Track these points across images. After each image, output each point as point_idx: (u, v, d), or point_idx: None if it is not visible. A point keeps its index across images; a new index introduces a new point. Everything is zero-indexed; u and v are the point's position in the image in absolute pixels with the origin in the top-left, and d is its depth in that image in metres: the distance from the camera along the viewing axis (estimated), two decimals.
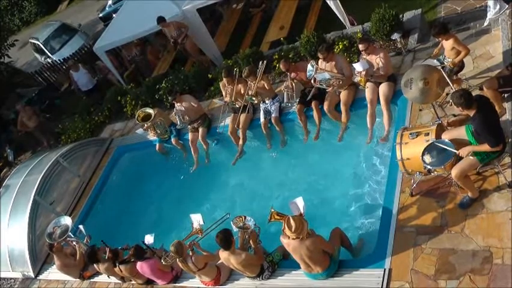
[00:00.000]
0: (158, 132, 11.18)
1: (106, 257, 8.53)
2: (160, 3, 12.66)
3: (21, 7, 30.84)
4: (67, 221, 9.67)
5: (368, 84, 8.40)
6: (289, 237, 6.42)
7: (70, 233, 9.39)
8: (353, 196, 8.26)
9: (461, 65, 7.63)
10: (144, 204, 10.97)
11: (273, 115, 9.74)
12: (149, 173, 11.65)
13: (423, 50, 9.01)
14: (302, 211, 6.81)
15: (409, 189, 6.98)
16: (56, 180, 11.59)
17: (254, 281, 7.28)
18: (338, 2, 10.42)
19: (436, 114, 7.05)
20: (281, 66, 9.40)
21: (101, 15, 22.06)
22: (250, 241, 7.17)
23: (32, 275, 10.44)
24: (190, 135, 10.79)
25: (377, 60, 8.25)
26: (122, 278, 8.78)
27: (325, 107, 8.94)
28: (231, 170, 10.16)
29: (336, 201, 8.37)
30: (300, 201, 6.91)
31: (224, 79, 10.05)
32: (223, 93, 10.29)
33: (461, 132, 6.36)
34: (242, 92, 9.89)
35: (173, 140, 11.17)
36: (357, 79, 8.50)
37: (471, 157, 6.08)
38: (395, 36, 9.44)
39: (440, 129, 6.70)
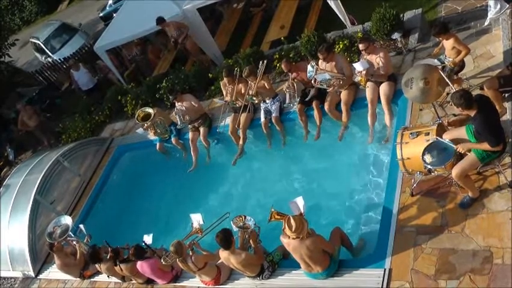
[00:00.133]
0: (159, 131, 11.18)
1: (108, 257, 8.54)
2: (161, 2, 12.66)
3: (22, 6, 30.87)
4: (67, 220, 9.68)
5: (369, 83, 8.40)
6: (289, 237, 6.42)
7: (70, 233, 9.40)
8: (353, 196, 8.26)
9: (461, 65, 7.63)
10: (144, 203, 10.98)
11: (273, 115, 9.74)
12: (150, 173, 11.65)
13: (424, 50, 9.00)
14: (302, 211, 6.81)
15: (409, 189, 6.98)
16: (56, 179, 11.60)
17: (254, 280, 7.28)
18: (339, 1, 10.41)
19: (437, 113, 7.04)
20: (282, 66, 9.40)
21: (101, 14, 22.09)
22: (250, 241, 7.17)
23: (32, 274, 10.45)
24: (190, 135, 10.80)
25: (377, 59, 8.25)
26: (123, 278, 8.78)
27: (326, 107, 8.94)
28: (231, 169, 10.15)
29: (337, 201, 8.36)
30: (300, 201, 6.91)
31: (224, 79, 10.06)
32: (224, 93, 10.30)
33: (462, 132, 6.36)
34: (242, 91, 9.89)
35: (173, 140, 11.17)
36: (357, 79, 8.50)
37: (472, 157, 6.08)
38: (396, 35, 9.44)
39: (441, 129, 6.69)
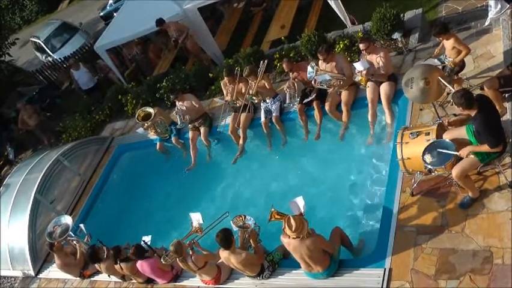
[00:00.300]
0: (159, 131, 11.18)
1: (105, 255, 8.55)
2: (161, 2, 12.66)
3: (22, 6, 30.88)
4: (67, 220, 9.69)
5: (369, 83, 8.40)
6: (289, 237, 6.42)
7: (70, 232, 9.40)
8: (353, 195, 8.25)
9: (461, 65, 7.63)
10: (144, 203, 10.97)
11: (273, 114, 9.74)
12: (150, 172, 11.65)
13: (424, 50, 9.00)
14: (302, 210, 6.82)
15: (410, 189, 6.98)
16: (56, 178, 11.60)
17: (254, 280, 7.28)
18: (339, 1, 10.42)
19: (437, 113, 7.05)
20: (284, 65, 9.39)
21: (102, 14, 22.11)
22: (251, 240, 7.17)
23: (32, 273, 10.45)
24: (190, 134, 10.81)
25: (377, 59, 8.25)
26: (123, 277, 8.78)
27: (326, 108, 8.94)
28: (231, 169, 10.15)
29: (337, 201, 8.36)
30: (300, 201, 6.92)
31: (225, 78, 10.07)
32: (224, 93, 10.30)
33: (462, 132, 6.36)
34: (243, 91, 9.89)
35: (173, 139, 11.17)
36: (358, 78, 8.50)
37: (472, 157, 6.08)
38: (396, 35, 9.44)
39: (441, 128, 6.69)
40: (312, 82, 8.78)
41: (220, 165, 10.53)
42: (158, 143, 11.36)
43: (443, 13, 9.88)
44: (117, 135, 13.04)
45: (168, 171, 11.23)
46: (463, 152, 6.08)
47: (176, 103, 10.66)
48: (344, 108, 8.80)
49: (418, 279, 6.02)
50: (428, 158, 6.33)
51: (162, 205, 10.57)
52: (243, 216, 7.34)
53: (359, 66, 8.28)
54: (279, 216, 6.92)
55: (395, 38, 9.47)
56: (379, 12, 9.49)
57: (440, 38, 7.68)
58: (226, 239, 6.82)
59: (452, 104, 6.51)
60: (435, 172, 6.54)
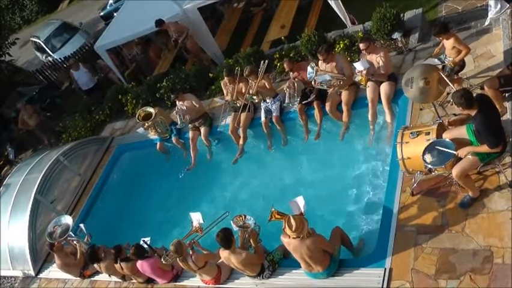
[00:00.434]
0: (159, 131, 11.18)
1: (103, 254, 8.59)
2: (161, 2, 12.66)
3: (23, 6, 30.88)
4: (67, 220, 9.68)
5: (369, 83, 8.39)
6: (289, 237, 6.42)
7: (70, 232, 9.39)
8: (353, 195, 8.26)
9: (462, 65, 7.63)
10: (144, 203, 10.97)
11: (274, 114, 9.74)
12: (150, 172, 11.65)
13: (424, 50, 9.00)
14: (303, 210, 6.82)
15: (410, 189, 6.98)
16: (56, 178, 11.59)
17: (254, 280, 7.28)
18: (339, 1, 10.42)
19: (437, 113, 7.05)
20: (285, 65, 9.37)
21: (102, 13, 22.11)
22: (251, 240, 7.17)
23: (32, 273, 10.45)
24: (190, 134, 10.81)
25: (377, 59, 8.25)
26: (123, 277, 8.79)
27: (327, 108, 8.94)
28: (232, 169, 10.15)
29: (337, 200, 8.36)
30: (300, 201, 6.92)
31: (225, 78, 10.07)
32: (224, 92, 10.30)
33: (462, 132, 6.36)
34: (243, 91, 9.89)
35: (173, 139, 11.18)
36: (358, 78, 8.49)
37: (472, 156, 6.08)
38: (396, 35, 9.45)
39: (441, 128, 6.69)
40: (312, 82, 8.77)
41: (220, 165, 10.53)
42: (158, 143, 11.36)
43: (443, 13, 9.88)
44: (117, 135, 13.04)
45: (168, 171, 11.23)
46: (462, 152, 6.08)
47: (177, 103, 10.67)
48: (344, 108, 8.80)
49: (418, 279, 6.02)
50: (428, 157, 6.33)
51: (162, 205, 10.58)
52: (243, 216, 7.35)
53: (359, 66, 8.28)
54: (279, 216, 6.93)
55: (395, 37, 9.48)
56: (379, 12, 9.49)
57: (440, 38, 7.68)
58: (226, 238, 6.82)
59: (452, 104, 6.51)
60: (436, 172, 6.54)
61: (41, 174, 11.24)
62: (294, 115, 9.65)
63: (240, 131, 10.11)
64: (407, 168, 6.83)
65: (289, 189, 8.86)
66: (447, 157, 6.21)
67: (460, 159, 6.16)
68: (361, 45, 8.32)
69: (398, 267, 6.28)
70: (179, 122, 10.60)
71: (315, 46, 9.98)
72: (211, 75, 11.87)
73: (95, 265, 8.89)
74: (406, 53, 9.22)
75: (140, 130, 11.36)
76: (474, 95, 5.98)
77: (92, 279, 9.45)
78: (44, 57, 20.43)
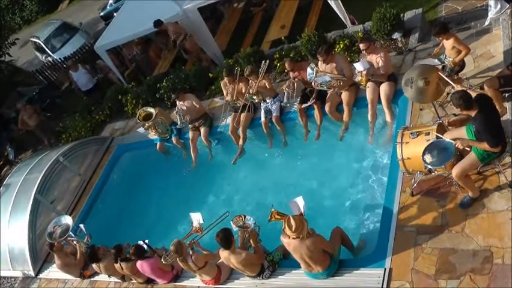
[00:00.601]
0: (159, 131, 11.18)
1: (103, 253, 8.59)
2: (161, 2, 12.66)
3: (22, 6, 30.87)
4: (67, 220, 9.68)
5: (369, 84, 8.39)
6: (289, 237, 6.42)
7: (70, 232, 9.39)
8: (353, 195, 8.26)
9: (461, 65, 7.63)
10: (144, 203, 10.98)
11: (273, 114, 9.73)
12: (150, 172, 11.65)
13: (424, 50, 9.00)
14: (302, 210, 6.82)
15: (410, 189, 6.98)
16: (56, 179, 11.60)
17: (254, 280, 7.28)
18: (339, 1, 10.42)
19: (437, 113, 7.05)
20: (286, 65, 9.35)
21: (102, 14, 22.11)
22: (251, 240, 7.17)
23: (32, 273, 10.45)
24: (190, 134, 10.81)
25: (377, 59, 8.25)
26: (123, 277, 8.78)
27: (326, 109, 8.93)
28: (231, 169, 10.15)
29: (337, 201, 8.36)
30: (300, 201, 6.92)
31: (225, 78, 10.07)
32: (224, 93, 10.30)
33: (462, 132, 6.36)
34: (243, 91, 9.89)
35: (174, 139, 11.18)
36: (358, 79, 8.48)
37: (472, 157, 6.08)
38: (396, 35, 9.46)
39: (441, 128, 6.69)
40: (312, 84, 8.76)
41: (220, 165, 10.52)
42: (158, 143, 11.36)
43: (443, 13, 9.89)
44: (117, 135, 13.04)
45: (168, 171, 11.23)
46: (461, 143, 6.07)
47: (177, 103, 10.67)
48: (345, 108, 8.78)
49: (418, 279, 6.02)
50: (428, 158, 6.34)
51: (162, 205, 10.57)
52: (243, 216, 7.35)
53: (359, 66, 8.27)
54: (279, 216, 6.93)
55: (395, 38, 9.48)
56: (379, 12, 9.49)
57: (440, 38, 7.68)
58: (226, 238, 6.82)
59: (452, 104, 6.50)
60: (435, 172, 6.54)
61: (41, 175, 11.24)
62: (294, 115, 9.65)
63: (240, 131, 10.11)
64: (407, 169, 6.83)
65: (289, 189, 8.86)
66: (447, 157, 6.21)
67: (460, 159, 6.16)
68: (361, 46, 8.31)
69: (398, 267, 6.28)
70: (179, 122, 10.60)
71: (315, 46, 9.98)
72: (211, 75, 11.87)
73: (95, 266, 8.88)
74: (406, 53, 9.22)
75: (141, 130, 11.37)
76: (474, 95, 5.98)
77: (92, 279, 9.44)
78: (44, 57, 20.43)
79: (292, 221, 6.33)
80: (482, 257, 5.76)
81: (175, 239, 7.53)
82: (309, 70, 8.66)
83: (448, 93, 7.33)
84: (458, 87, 6.78)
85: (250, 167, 10.05)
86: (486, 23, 8.57)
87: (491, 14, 8.35)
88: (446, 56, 7.61)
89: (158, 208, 10.58)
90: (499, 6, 8.14)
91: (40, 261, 10.60)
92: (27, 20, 31.27)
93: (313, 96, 9.10)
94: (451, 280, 5.77)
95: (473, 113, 5.87)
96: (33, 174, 11.61)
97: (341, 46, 9.92)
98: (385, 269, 6.34)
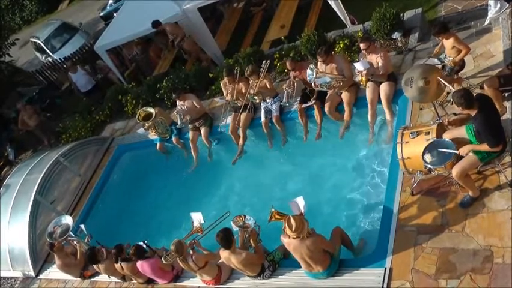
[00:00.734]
0: (159, 131, 11.18)
1: (105, 257, 8.57)
2: (161, 2, 12.65)
3: (22, 6, 30.84)
4: (67, 220, 9.68)
5: (369, 83, 8.38)
6: (289, 237, 6.42)
7: (70, 233, 9.39)
8: (353, 195, 8.26)
9: (461, 64, 7.63)
10: (145, 203, 10.97)
11: (274, 114, 9.73)
12: (150, 172, 11.65)
13: (424, 49, 9.00)
14: (303, 210, 6.82)
15: (410, 188, 6.98)
16: (56, 179, 11.59)
17: (255, 280, 7.28)
18: (339, 1, 10.41)
19: (437, 113, 7.05)
20: (287, 64, 9.32)
21: (102, 14, 22.08)
22: (251, 240, 7.17)
23: (32, 274, 10.44)
24: (190, 134, 10.81)
25: (377, 59, 8.24)
26: (123, 277, 8.78)
27: (326, 109, 8.93)
28: (231, 169, 10.15)
29: (337, 201, 8.36)
30: (300, 201, 6.92)
31: (225, 78, 10.06)
32: (224, 93, 10.29)
33: (462, 132, 6.36)
34: (243, 91, 9.89)
35: (174, 139, 11.18)
36: (358, 79, 8.48)
37: (472, 156, 6.08)
38: (396, 35, 9.46)
39: (441, 128, 6.70)
40: (312, 85, 8.75)
41: (220, 165, 10.52)
42: (158, 143, 11.36)
43: (443, 12, 9.89)
44: (117, 135, 13.04)
45: (168, 172, 11.23)
46: (463, 150, 6.08)
47: (177, 102, 10.66)
48: (346, 108, 8.77)
49: (419, 279, 6.02)
50: (428, 157, 6.34)
51: (162, 205, 10.57)
52: (243, 216, 7.35)
53: (359, 66, 8.26)
54: (279, 216, 6.93)
55: (394, 37, 9.49)
56: (379, 12, 9.49)
57: (440, 38, 7.68)
58: (226, 238, 6.82)
59: (452, 104, 6.51)
60: (436, 171, 6.54)
61: (41, 175, 11.23)
62: (294, 115, 9.64)
63: (240, 131, 10.10)
64: (407, 168, 6.83)
65: (289, 189, 8.87)
66: (447, 157, 6.22)
67: (460, 158, 6.16)
68: (361, 45, 8.30)
69: (398, 267, 6.28)
70: (179, 122, 10.60)
71: (315, 46, 9.99)
72: (211, 75, 11.86)
73: (95, 266, 8.88)
74: (406, 52, 9.22)
75: (141, 130, 11.35)
76: (474, 95, 5.98)
77: (92, 279, 9.44)
78: (44, 57, 20.42)
79: (292, 220, 6.33)
80: (483, 256, 5.76)
81: (176, 238, 7.53)
82: (308, 71, 8.65)
83: (448, 93, 7.33)
84: (457, 87, 6.79)
85: (250, 166, 10.05)
86: (486, 23, 8.57)
87: (491, 13, 8.35)
88: (446, 55, 7.62)
89: (159, 208, 10.58)
90: (498, 5, 8.14)
91: (40, 261, 10.60)
92: (27, 20, 31.24)
93: (314, 96, 9.10)
94: (451, 280, 5.77)
95: (473, 113, 5.87)
96: (33, 174, 11.60)
97: (341, 46, 9.91)
98: (385, 269, 6.34)
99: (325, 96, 9.01)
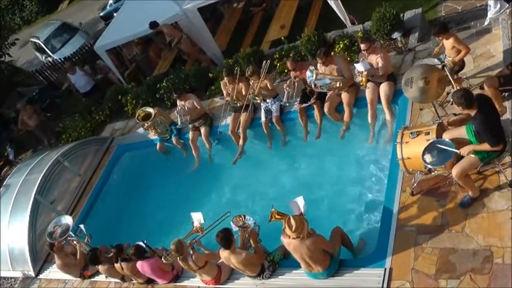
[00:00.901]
0: (159, 131, 11.18)
1: (109, 256, 8.56)
2: (161, 2, 12.64)
3: (22, 6, 30.83)
4: (67, 220, 9.68)
5: (369, 84, 8.38)
6: (289, 237, 6.42)
7: (70, 232, 9.38)
8: (353, 195, 8.26)
9: (461, 64, 7.64)
10: (145, 203, 10.98)
11: (274, 114, 9.73)
12: (150, 172, 11.65)
13: (424, 49, 9.00)
14: (303, 210, 6.82)
15: (410, 189, 6.98)
16: (56, 179, 11.59)
17: (255, 280, 7.28)
18: (339, 1, 10.41)
19: (437, 113, 7.05)
20: (288, 64, 9.32)
21: (102, 14, 22.08)
22: (251, 240, 7.17)
23: (32, 274, 10.44)
24: (190, 134, 10.80)
25: (377, 60, 8.24)
26: (123, 278, 8.78)
27: (325, 110, 8.93)
28: (232, 169, 10.15)
29: (337, 201, 8.36)
30: (300, 201, 6.91)
31: (225, 78, 10.06)
32: (224, 93, 10.29)
33: (462, 132, 6.36)
34: (243, 91, 9.89)
35: (173, 139, 11.17)
36: (358, 79, 8.48)
37: (472, 156, 6.08)
38: (396, 35, 9.46)
39: (441, 128, 6.70)
40: (312, 86, 8.74)
41: (220, 165, 10.52)
42: (158, 143, 11.36)
43: (443, 13, 9.90)
44: (117, 135, 13.04)
45: (168, 171, 11.23)
46: (464, 151, 6.08)
47: (178, 102, 10.66)
48: (346, 108, 8.77)
49: (418, 279, 6.02)
50: (428, 157, 6.34)
51: (162, 205, 10.57)
52: (243, 216, 7.35)
53: (359, 67, 8.25)
54: (279, 217, 6.93)
55: (394, 37, 9.49)
56: (379, 12, 9.50)
57: (440, 38, 7.68)
58: (226, 238, 6.82)
59: (452, 104, 6.51)
60: (435, 172, 6.54)
61: (41, 175, 11.23)
62: (294, 115, 9.64)
63: (240, 131, 10.10)
64: (407, 168, 6.84)
65: (289, 189, 8.87)
66: (447, 157, 6.22)
67: (460, 159, 6.16)
68: (362, 46, 8.30)
69: (398, 267, 6.28)
70: (179, 122, 10.60)
71: (315, 46, 9.99)
72: (211, 75, 11.86)
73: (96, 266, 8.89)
74: (406, 53, 9.22)
75: (140, 130, 11.36)
76: (474, 95, 5.98)
77: (92, 279, 9.43)
78: (43, 57, 20.41)
79: (292, 221, 6.33)
80: (483, 256, 5.76)
81: (176, 238, 7.53)
82: (308, 73, 8.63)
83: (447, 93, 7.34)
84: (457, 87, 6.79)
85: (251, 167, 10.05)
86: (486, 23, 8.57)
87: (490, 13, 8.35)
88: (445, 55, 7.62)
89: (159, 208, 10.58)
90: (498, 6, 8.15)
91: (40, 261, 10.59)
92: (27, 20, 31.22)
93: (314, 96, 9.10)
94: (451, 280, 5.78)
95: (473, 113, 5.88)
96: (33, 174, 11.60)
97: (341, 46, 9.91)
98: (385, 269, 6.34)
99: (325, 96, 9.01)
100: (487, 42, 8.27)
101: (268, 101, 9.82)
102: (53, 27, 20.98)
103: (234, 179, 10.07)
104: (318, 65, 8.77)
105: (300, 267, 6.78)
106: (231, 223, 7.31)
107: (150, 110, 11.11)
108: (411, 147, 6.65)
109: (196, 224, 7.96)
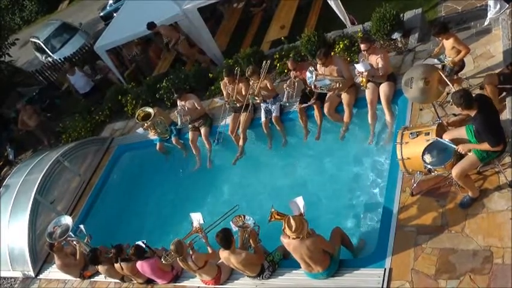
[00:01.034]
0: (159, 131, 11.18)
1: (110, 256, 8.56)
2: (161, 2, 12.64)
3: (22, 6, 30.84)
4: (67, 220, 9.68)
5: (369, 84, 8.37)
6: (289, 237, 6.42)
7: (70, 233, 9.38)
8: (353, 196, 8.26)
9: (461, 65, 7.64)
10: (144, 203, 10.98)
11: (273, 114, 9.73)
12: (150, 172, 11.65)
13: (424, 50, 9.00)
14: (302, 211, 6.81)
15: (409, 189, 6.98)
16: (56, 179, 11.59)
17: (254, 280, 7.28)
18: (339, 1, 10.41)
19: (437, 113, 7.05)
20: (288, 64, 9.30)
21: (102, 14, 22.08)
22: (250, 240, 7.17)
23: (32, 274, 10.44)
24: (190, 135, 10.80)
25: (377, 60, 8.24)
26: (122, 278, 8.78)
27: (325, 110, 8.93)
28: (231, 169, 10.15)
29: (337, 201, 8.36)
30: (300, 201, 6.91)
31: (225, 78, 10.06)
32: (224, 93, 10.29)
33: (462, 132, 6.36)
34: (243, 91, 9.89)
35: (173, 139, 11.17)
36: (358, 80, 8.48)
37: (472, 156, 6.08)
38: (396, 35, 9.46)
39: (441, 128, 6.70)
40: (312, 87, 8.74)
41: (220, 165, 10.52)
42: (158, 143, 11.35)
43: (443, 13, 9.90)
44: (117, 135, 13.04)
45: (168, 172, 11.24)
46: (462, 148, 6.08)
47: (178, 102, 10.66)
48: (346, 109, 8.77)
49: (418, 279, 6.02)
50: (428, 158, 6.34)
51: (162, 205, 10.58)
52: (243, 216, 7.35)
53: (360, 67, 8.24)
54: (279, 217, 6.92)
55: (394, 38, 9.49)
56: (379, 12, 9.49)
57: (440, 38, 7.68)
58: (225, 238, 6.83)
59: (451, 104, 6.51)
60: (435, 172, 6.54)
61: (41, 175, 11.23)
62: (294, 115, 9.64)
63: (240, 132, 10.10)
64: (406, 169, 6.84)
65: (289, 189, 8.86)
66: (447, 157, 6.22)
67: (460, 159, 6.16)
68: (362, 46, 8.29)
69: (398, 267, 6.28)
70: (179, 123, 10.60)
71: (315, 46, 9.99)
72: (210, 75, 11.86)
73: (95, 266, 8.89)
74: (406, 53, 9.22)
75: (140, 130, 11.35)
76: (473, 95, 5.99)
77: (92, 279, 9.43)
78: (43, 57, 20.41)
79: (292, 221, 6.33)
80: (482, 257, 5.76)
81: (176, 238, 7.53)
82: (308, 74, 8.62)
83: (447, 93, 7.34)
84: (457, 88, 6.79)
85: (250, 167, 10.05)
86: (486, 23, 8.58)
87: (490, 14, 8.35)
88: (445, 55, 7.62)
89: (158, 208, 10.58)
90: (498, 6, 8.15)
91: (40, 261, 10.59)
92: (27, 20, 31.23)
93: (314, 96, 9.10)
94: (450, 280, 5.78)
95: (472, 113, 5.88)
96: (33, 174, 11.60)
97: (341, 46, 9.91)
98: (385, 269, 6.35)
99: (325, 97, 9.01)
100: (487, 42, 8.27)
101: (268, 101, 9.81)
102: (53, 27, 20.98)
103: (233, 179, 10.06)
104: (318, 65, 8.76)
105: (300, 267, 6.78)
106: (231, 223, 7.31)
107: (150, 110, 11.11)
108: (411, 147, 6.65)
109: (195, 224, 7.95)
